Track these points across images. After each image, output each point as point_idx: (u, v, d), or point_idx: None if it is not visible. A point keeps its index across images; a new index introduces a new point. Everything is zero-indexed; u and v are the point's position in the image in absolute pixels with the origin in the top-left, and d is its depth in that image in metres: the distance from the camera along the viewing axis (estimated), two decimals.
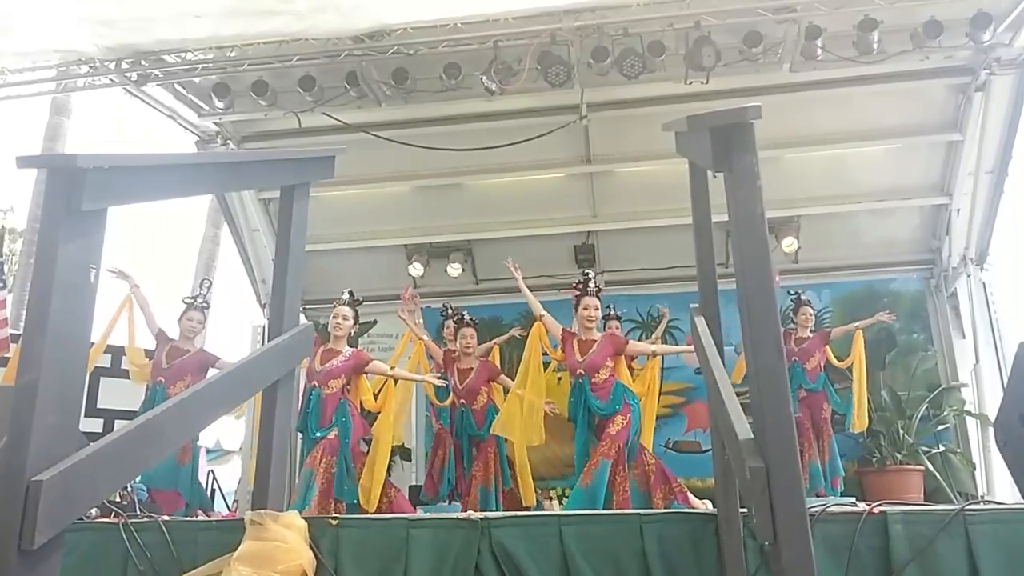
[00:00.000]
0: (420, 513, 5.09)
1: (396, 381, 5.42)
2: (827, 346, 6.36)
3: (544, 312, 5.52)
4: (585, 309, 5.26)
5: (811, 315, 6.44)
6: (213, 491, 7.79)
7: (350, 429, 5.03)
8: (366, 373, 5.20)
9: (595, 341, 5.21)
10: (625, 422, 4.97)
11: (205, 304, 5.90)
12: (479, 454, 5.62)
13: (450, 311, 6.54)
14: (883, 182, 7.31)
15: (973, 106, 6.48)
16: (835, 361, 6.39)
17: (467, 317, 6.04)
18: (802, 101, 6.69)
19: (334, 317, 5.25)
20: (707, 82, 5.94)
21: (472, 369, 5.79)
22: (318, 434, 4.94)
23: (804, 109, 6.80)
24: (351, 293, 5.42)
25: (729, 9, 5.63)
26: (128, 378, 6.26)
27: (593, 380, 5.07)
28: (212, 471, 8.41)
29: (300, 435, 5.08)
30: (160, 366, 5.52)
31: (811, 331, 6.43)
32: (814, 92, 6.63)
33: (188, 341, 5.70)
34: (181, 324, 5.71)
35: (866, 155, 7.21)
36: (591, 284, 5.34)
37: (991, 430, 5.57)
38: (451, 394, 5.88)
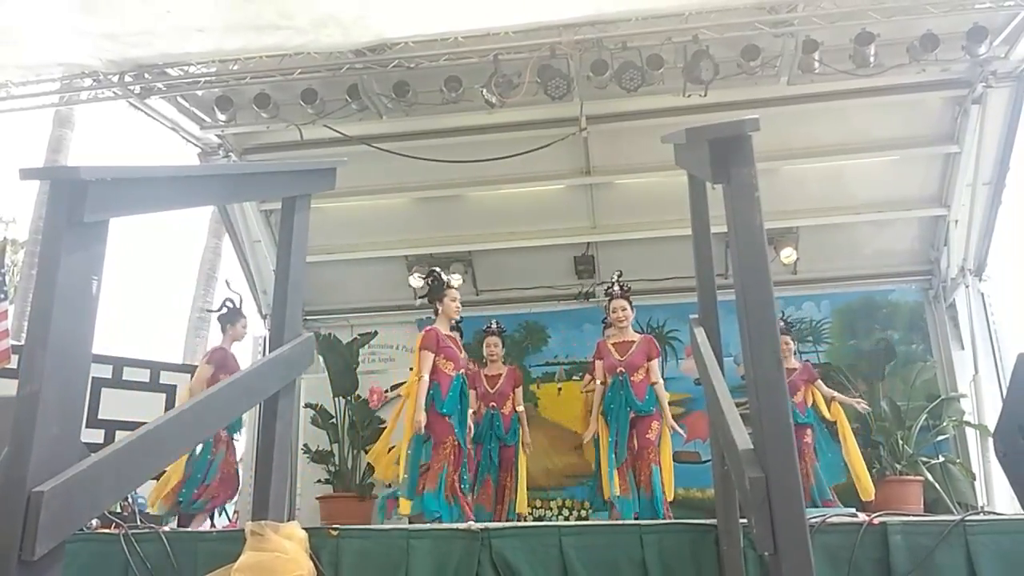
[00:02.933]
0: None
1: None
2: (814, 385, 6.22)
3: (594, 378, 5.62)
4: (614, 312, 5.54)
5: (790, 342, 6.28)
6: None
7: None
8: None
9: (633, 341, 5.42)
10: (659, 428, 5.18)
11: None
12: (503, 462, 5.72)
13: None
14: (881, 193, 7.32)
15: (970, 118, 6.50)
16: (824, 412, 6.17)
17: (494, 325, 6.25)
18: (800, 113, 6.71)
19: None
20: (705, 95, 5.98)
21: (501, 375, 5.95)
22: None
23: (802, 121, 6.82)
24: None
25: (727, 23, 5.66)
26: (129, 389, 6.24)
27: (632, 378, 5.24)
28: None
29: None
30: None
31: (796, 354, 6.35)
32: (812, 105, 6.65)
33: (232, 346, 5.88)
34: (236, 331, 5.84)
35: (864, 167, 7.22)
36: (616, 287, 5.61)
37: (990, 441, 5.55)
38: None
